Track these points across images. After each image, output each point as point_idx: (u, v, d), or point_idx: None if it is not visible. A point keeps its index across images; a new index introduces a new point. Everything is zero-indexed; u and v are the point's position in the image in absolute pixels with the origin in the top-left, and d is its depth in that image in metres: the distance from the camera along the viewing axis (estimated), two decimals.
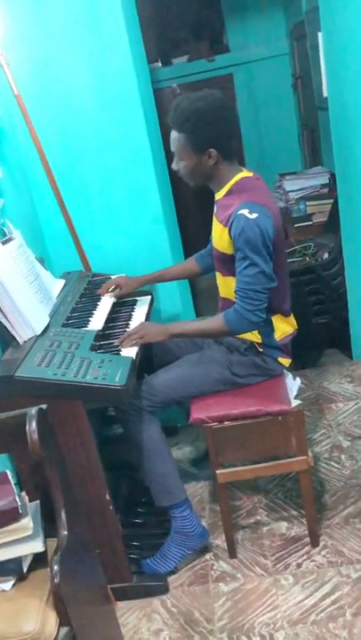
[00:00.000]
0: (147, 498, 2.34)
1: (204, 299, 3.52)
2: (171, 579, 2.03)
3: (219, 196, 1.93)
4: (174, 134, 1.85)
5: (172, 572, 2.05)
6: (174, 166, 1.92)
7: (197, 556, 2.11)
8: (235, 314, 1.85)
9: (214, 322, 1.93)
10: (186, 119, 1.79)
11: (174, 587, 2.01)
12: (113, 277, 2.40)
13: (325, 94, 2.85)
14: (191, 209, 4.16)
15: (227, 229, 1.83)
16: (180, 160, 1.88)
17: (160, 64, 4.47)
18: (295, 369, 3.02)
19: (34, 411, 1.39)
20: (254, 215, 1.75)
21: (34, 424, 1.36)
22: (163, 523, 2.16)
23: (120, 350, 1.91)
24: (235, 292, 1.85)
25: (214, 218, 1.97)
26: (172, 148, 1.89)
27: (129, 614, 1.95)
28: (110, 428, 2.58)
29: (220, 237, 1.90)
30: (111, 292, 2.27)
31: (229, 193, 1.88)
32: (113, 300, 2.23)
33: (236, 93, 4.59)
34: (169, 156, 2.03)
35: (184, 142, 1.83)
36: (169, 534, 2.04)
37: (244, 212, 1.76)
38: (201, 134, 1.79)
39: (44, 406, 1.43)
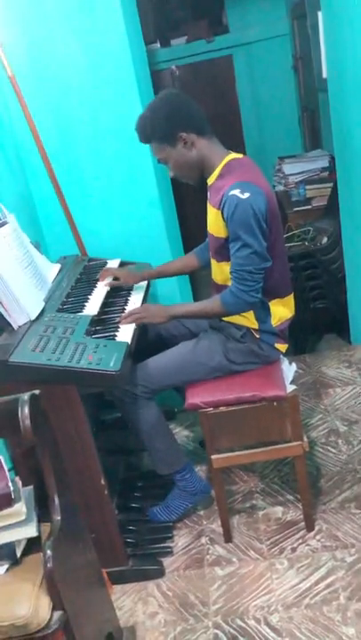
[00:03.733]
0: (144, 482, 2.37)
1: (202, 285, 3.51)
2: (166, 563, 2.05)
3: (210, 180, 1.92)
4: (151, 148, 1.91)
5: (169, 554, 2.08)
6: (171, 175, 1.94)
7: (193, 539, 2.13)
8: (231, 295, 1.85)
9: (212, 303, 1.94)
10: (144, 129, 1.86)
11: (170, 570, 2.02)
12: (111, 266, 2.39)
13: (325, 75, 2.81)
14: (191, 194, 4.14)
15: (220, 212, 1.82)
16: (167, 164, 1.91)
17: (158, 45, 4.41)
18: (293, 354, 3.02)
19: (26, 396, 1.38)
20: (246, 195, 1.74)
21: (26, 409, 1.36)
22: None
23: (115, 335, 1.90)
24: (230, 272, 1.86)
25: (208, 204, 1.96)
26: (158, 161, 1.93)
27: (124, 598, 1.96)
28: (108, 412, 2.59)
29: (214, 222, 1.90)
30: (107, 280, 2.26)
31: (220, 176, 1.87)
32: (108, 287, 2.22)
33: (236, 75, 4.53)
34: None
35: (157, 145, 1.87)
36: (173, 489, 2.15)
37: (236, 192, 1.75)
38: (163, 128, 1.83)
39: (36, 392, 1.42)
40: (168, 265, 2.32)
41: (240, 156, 1.90)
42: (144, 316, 1.97)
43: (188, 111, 1.84)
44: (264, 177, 1.91)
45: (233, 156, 1.89)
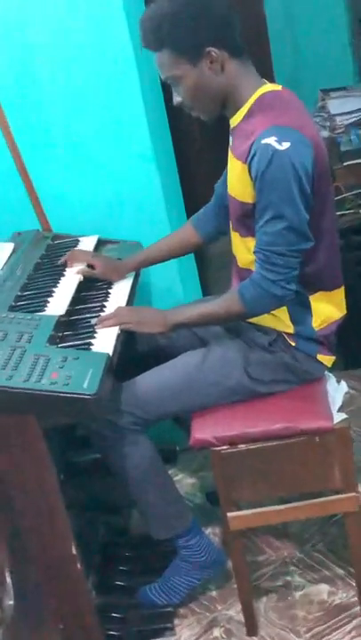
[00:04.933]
0: (132, 550, 2.37)
1: (214, 269, 3.50)
2: None
3: (235, 121, 1.92)
4: (158, 57, 1.86)
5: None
6: (176, 100, 1.92)
7: (202, 631, 2.13)
8: (252, 286, 1.86)
9: (227, 301, 1.94)
10: (158, 28, 1.80)
11: None
12: (82, 247, 2.40)
13: None
14: (199, 144, 4.13)
15: (247, 167, 1.82)
16: (177, 86, 1.89)
17: None
18: (342, 369, 3.02)
19: None
20: (285, 145, 1.74)
21: None
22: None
23: (91, 344, 1.91)
24: (254, 253, 1.86)
25: (230, 153, 1.97)
26: (163, 77, 1.90)
27: None
28: (81, 452, 2.59)
29: (238, 180, 1.90)
30: (78, 267, 2.27)
31: (249, 115, 1.87)
32: (80, 276, 2.22)
33: None
34: None
35: (171, 57, 1.82)
36: (173, 560, 2.16)
37: (271, 140, 1.75)
38: (187, 34, 1.79)
39: None
40: (157, 245, 2.33)
41: (278, 87, 1.90)
42: (133, 324, 1.99)
43: (224, 18, 1.81)
44: (311, 119, 1.91)
45: (269, 87, 1.88)
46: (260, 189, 1.79)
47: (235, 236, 2.03)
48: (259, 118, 1.83)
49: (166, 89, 2.22)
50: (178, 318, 2.02)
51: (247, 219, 1.91)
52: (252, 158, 1.78)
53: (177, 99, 1.91)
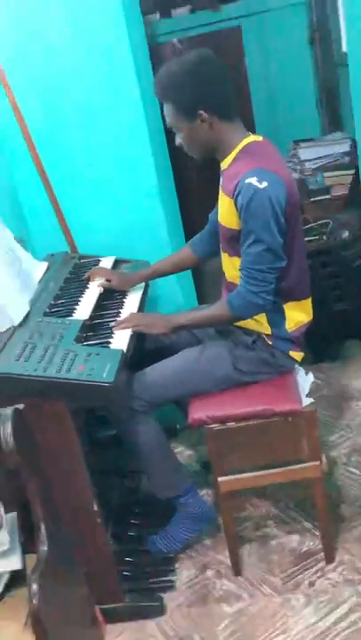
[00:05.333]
0: (142, 507, 2.37)
1: (208, 283, 3.51)
2: (168, 599, 2.05)
3: (224, 165, 1.93)
4: (164, 107, 1.90)
5: (170, 589, 2.08)
6: (177, 142, 1.95)
7: (198, 572, 2.13)
8: (238, 297, 1.87)
9: (218, 308, 1.96)
10: (165, 87, 1.85)
11: (172, 607, 2.03)
12: (102, 265, 2.40)
13: (345, 49, 2.82)
14: (196, 183, 4.13)
15: (233, 201, 1.83)
16: (178, 132, 1.92)
17: (158, 16, 4.42)
18: (311, 363, 3.01)
19: (9, 411, 1.40)
20: (264, 184, 1.75)
21: (9, 426, 1.37)
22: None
23: (109, 342, 1.91)
24: (239, 270, 1.87)
25: (220, 191, 1.97)
26: (168, 123, 1.93)
27: (121, 638, 1.96)
28: (101, 429, 2.59)
29: (226, 212, 1.91)
30: (99, 281, 2.27)
31: (236, 160, 1.88)
32: (101, 289, 2.23)
33: (245, 49, 4.52)
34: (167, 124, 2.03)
35: (173, 111, 1.87)
36: (174, 515, 2.16)
37: (253, 180, 1.76)
38: (185, 97, 1.82)
39: (20, 406, 1.44)
40: (161, 263, 2.33)
41: (260, 138, 1.91)
42: (142, 326, 1.99)
43: (219, 88, 1.84)
44: (285, 164, 1.92)
45: (252, 138, 1.90)
46: (244, 219, 1.80)
47: (224, 256, 2.04)
48: (243, 163, 1.84)
49: (169, 140, 2.23)
50: (178, 321, 2.03)
51: (234, 242, 1.92)
52: (238, 194, 1.80)
53: (177, 141, 1.94)
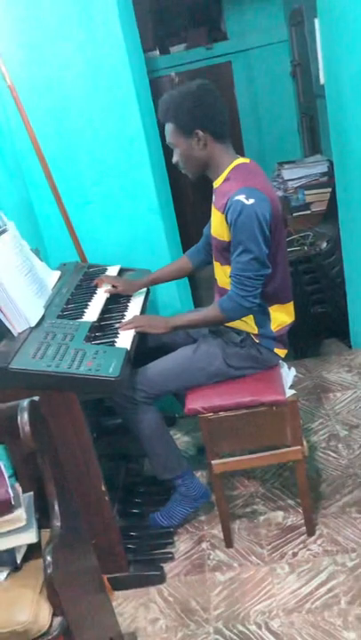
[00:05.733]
0: (144, 488, 2.37)
1: (203, 289, 3.51)
2: (167, 568, 2.05)
3: (217, 184, 1.93)
4: (166, 127, 1.90)
5: (170, 560, 2.08)
6: (174, 159, 1.95)
7: (194, 545, 2.13)
8: (228, 300, 1.87)
9: (210, 311, 1.95)
10: (167, 109, 1.86)
11: (171, 576, 2.02)
12: (108, 273, 2.40)
13: (322, 81, 2.82)
14: (191, 201, 4.14)
15: (224, 216, 1.83)
16: (175, 149, 1.91)
17: (158, 53, 4.43)
18: (294, 359, 3.02)
19: (26, 402, 1.38)
20: (251, 201, 1.76)
21: (26, 416, 1.36)
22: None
23: (115, 342, 1.91)
24: (229, 276, 1.87)
25: (213, 206, 1.98)
26: (167, 141, 1.93)
27: (126, 604, 1.96)
28: (108, 418, 2.58)
29: (218, 225, 1.91)
30: (106, 287, 2.27)
31: (227, 180, 1.88)
32: (107, 294, 2.23)
33: (235, 81, 4.54)
34: (166, 147, 2.05)
35: (173, 129, 1.88)
36: (173, 494, 2.16)
37: (241, 197, 1.76)
38: (184, 117, 1.83)
39: (35, 398, 1.43)
40: (162, 270, 2.33)
41: (247, 160, 1.92)
42: (144, 326, 1.99)
43: (214, 112, 1.85)
44: (270, 183, 1.92)
45: (240, 160, 1.90)
46: (233, 232, 1.81)
47: (216, 265, 2.04)
48: (233, 182, 1.84)
49: (168, 162, 2.23)
50: (176, 322, 2.02)
51: (225, 252, 1.92)
52: (228, 210, 1.80)
53: (175, 158, 1.94)
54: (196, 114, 1.82)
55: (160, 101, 1.89)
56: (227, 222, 1.83)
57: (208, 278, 2.27)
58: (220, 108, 1.87)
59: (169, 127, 1.88)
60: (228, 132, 1.90)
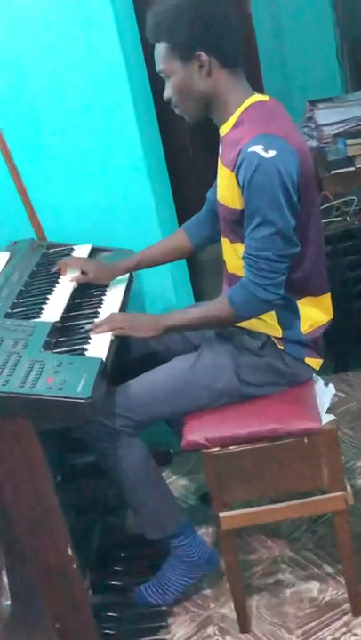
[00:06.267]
0: (127, 551, 2.37)
1: (206, 276, 3.50)
2: None
3: (224, 130, 1.93)
4: (156, 48, 1.89)
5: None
6: (165, 94, 1.94)
7: (197, 629, 2.13)
8: (241, 291, 1.87)
9: (216, 306, 1.95)
10: (159, 22, 1.84)
11: None
12: (76, 255, 2.40)
13: None
14: (190, 154, 4.12)
15: (234, 174, 1.83)
16: (168, 80, 1.90)
17: None
18: (333, 371, 3.03)
19: None
20: (271, 153, 1.75)
21: None
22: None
23: (85, 349, 1.91)
24: (242, 258, 1.87)
25: (219, 161, 1.97)
26: (157, 69, 1.92)
27: None
28: (79, 455, 2.59)
29: (226, 187, 1.91)
30: (72, 274, 2.27)
31: (238, 124, 1.88)
32: (74, 283, 2.22)
33: None
34: (156, 79, 2.04)
35: (166, 51, 1.85)
36: (167, 560, 2.14)
37: (257, 148, 1.76)
38: (182, 34, 1.81)
39: None
40: (150, 250, 2.33)
41: (266, 98, 1.91)
42: (126, 328, 1.99)
43: (223, 29, 1.83)
44: (297, 129, 1.93)
45: (257, 97, 1.90)
46: (247, 196, 1.80)
47: (224, 242, 2.04)
48: (246, 127, 1.84)
49: (158, 102, 2.22)
50: (169, 322, 2.01)
51: (236, 225, 1.91)
52: (240, 166, 1.80)
53: (167, 93, 1.93)
54: (198, 30, 1.81)
55: (149, 15, 1.87)
56: (238, 183, 1.82)
57: (213, 261, 2.27)
58: (232, 23, 1.86)
59: (161, 49, 1.86)
60: (241, 58, 1.90)
